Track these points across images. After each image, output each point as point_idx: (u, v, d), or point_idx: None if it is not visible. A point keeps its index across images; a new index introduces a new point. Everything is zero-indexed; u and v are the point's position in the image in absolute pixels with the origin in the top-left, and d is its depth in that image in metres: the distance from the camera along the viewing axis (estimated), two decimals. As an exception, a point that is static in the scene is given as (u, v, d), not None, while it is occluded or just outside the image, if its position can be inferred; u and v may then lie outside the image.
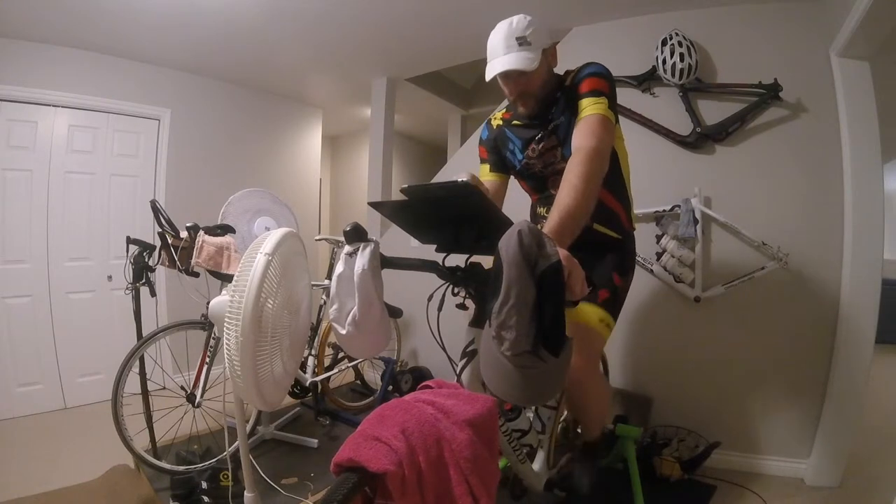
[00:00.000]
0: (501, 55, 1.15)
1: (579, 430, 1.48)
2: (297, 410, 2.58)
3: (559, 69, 1.29)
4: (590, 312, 1.24)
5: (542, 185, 1.39)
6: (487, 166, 1.44)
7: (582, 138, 1.10)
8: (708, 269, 2.11)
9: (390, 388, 2.55)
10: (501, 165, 1.43)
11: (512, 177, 1.46)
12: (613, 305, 1.30)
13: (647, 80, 2.22)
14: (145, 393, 1.97)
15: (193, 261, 1.87)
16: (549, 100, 1.26)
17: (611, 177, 1.15)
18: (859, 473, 1.99)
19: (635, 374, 2.25)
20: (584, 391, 1.28)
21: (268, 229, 2.09)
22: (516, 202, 1.50)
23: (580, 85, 1.18)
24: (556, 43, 1.27)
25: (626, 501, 1.68)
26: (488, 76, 1.19)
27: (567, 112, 1.23)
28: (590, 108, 1.14)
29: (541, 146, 1.30)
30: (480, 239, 0.87)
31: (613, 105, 1.17)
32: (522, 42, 1.14)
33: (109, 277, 2.86)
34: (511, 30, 1.15)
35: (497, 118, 1.43)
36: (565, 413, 1.51)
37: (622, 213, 1.37)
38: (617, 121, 1.22)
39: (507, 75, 1.19)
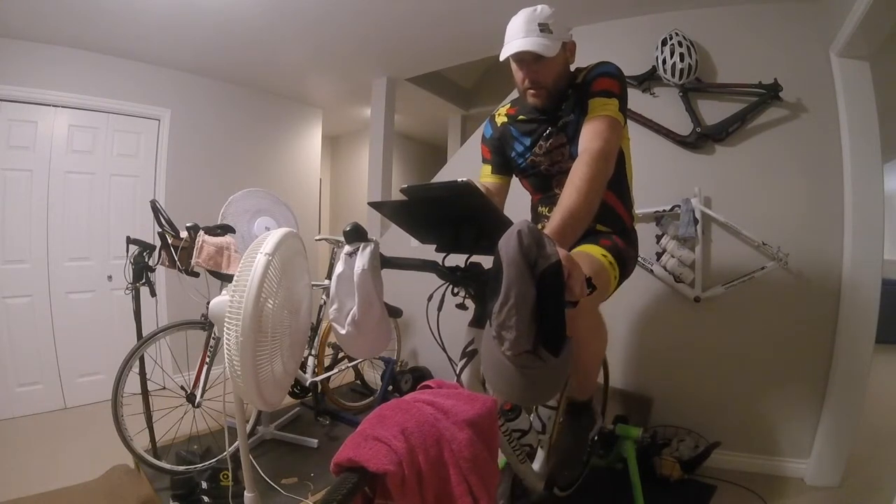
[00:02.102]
0: (521, 37, 1.14)
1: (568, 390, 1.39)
2: (297, 410, 2.59)
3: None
4: (593, 248, 1.19)
5: (545, 184, 1.37)
6: (490, 167, 1.41)
7: (589, 139, 1.09)
8: (708, 269, 2.11)
9: (390, 388, 2.55)
10: (504, 167, 1.40)
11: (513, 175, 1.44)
12: (616, 254, 1.22)
13: (647, 80, 2.22)
14: (145, 393, 1.97)
15: (193, 261, 1.87)
16: (559, 95, 1.25)
17: (615, 178, 1.14)
18: (859, 473, 1.99)
19: (635, 374, 2.25)
20: (577, 325, 1.15)
21: (268, 229, 2.09)
22: (516, 202, 1.50)
23: (592, 84, 1.17)
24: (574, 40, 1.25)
25: (626, 501, 1.68)
26: (504, 55, 1.17)
27: (577, 110, 1.21)
28: (599, 108, 1.12)
29: (549, 143, 1.28)
30: (480, 239, 0.87)
31: (623, 107, 1.16)
32: (544, 28, 1.13)
33: (109, 277, 2.86)
34: (535, 15, 1.14)
35: (501, 114, 1.40)
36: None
37: (625, 214, 1.36)
38: (625, 122, 1.21)
39: (522, 59, 1.18)
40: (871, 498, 1.85)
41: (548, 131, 1.28)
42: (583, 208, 0.95)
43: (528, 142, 1.33)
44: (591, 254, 1.17)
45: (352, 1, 2.28)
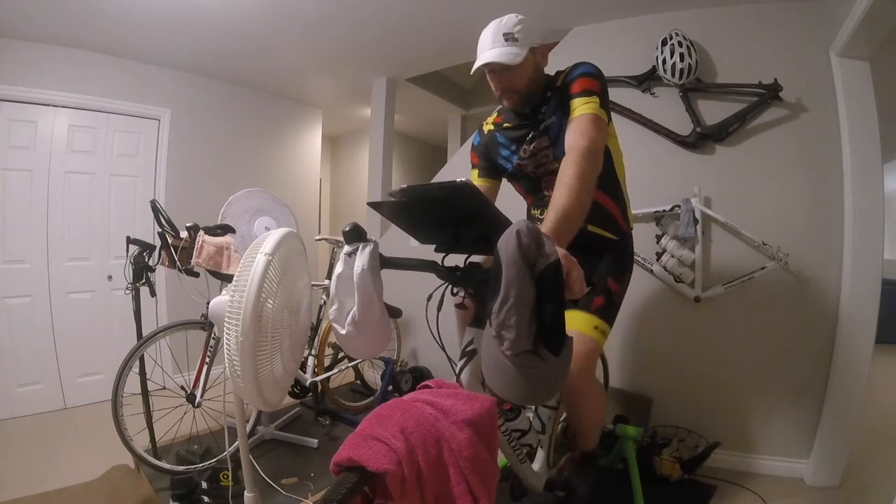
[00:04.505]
0: (487, 49, 1.18)
1: (576, 439, 1.49)
2: (297, 410, 2.58)
3: (551, 69, 1.30)
4: (584, 320, 1.25)
5: (535, 186, 1.39)
6: (476, 171, 1.46)
7: (574, 138, 1.11)
8: (708, 269, 2.11)
9: (390, 388, 2.55)
10: (492, 170, 1.44)
11: (506, 181, 1.47)
12: (608, 312, 1.30)
13: (647, 80, 2.22)
14: (145, 393, 1.97)
15: (193, 261, 1.87)
16: (536, 98, 1.27)
17: (604, 176, 1.15)
18: (859, 473, 1.99)
19: (635, 374, 2.25)
20: (580, 399, 1.29)
21: (268, 229, 2.09)
22: (514, 204, 1.50)
23: (571, 85, 1.19)
24: (550, 44, 1.29)
25: (626, 501, 1.68)
26: (473, 69, 1.22)
27: (559, 112, 1.23)
28: (581, 107, 1.14)
29: (532, 146, 1.30)
30: (479, 239, 0.87)
31: (605, 104, 1.17)
32: (509, 38, 1.16)
33: (109, 277, 2.86)
34: (499, 26, 1.18)
35: (489, 123, 1.45)
36: (565, 413, 1.51)
37: (618, 214, 1.36)
38: (610, 119, 1.22)
39: (491, 69, 1.21)
40: (871, 498, 1.85)
41: (530, 135, 1.30)
42: (575, 206, 0.97)
43: (513, 147, 1.36)
44: (581, 332, 1.22)
45: (352, 1, 2.28)
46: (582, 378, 1.23)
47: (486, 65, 1.19)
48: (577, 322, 1.24)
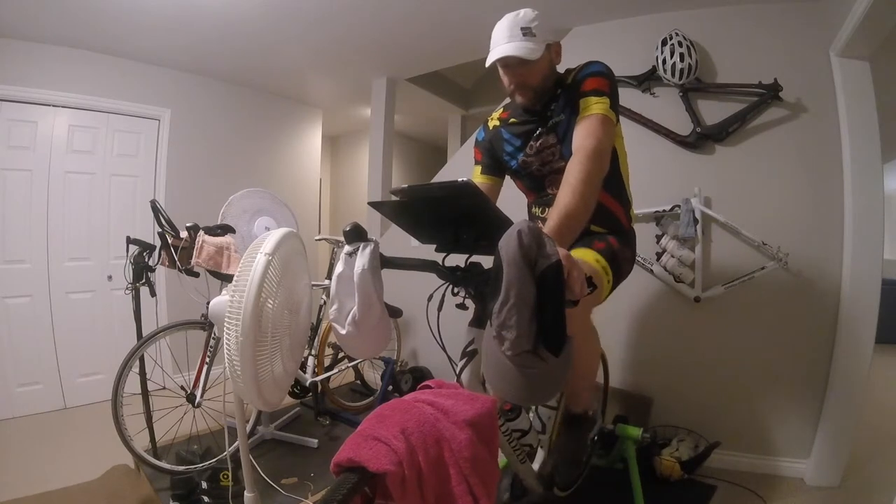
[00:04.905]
0: (504, 43, 1.15)
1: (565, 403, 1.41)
2: (297, 410, 2.59)
3: (560, 68, 1.29)
4: (586, 253, 1.20)
5: (539, 185, 1.38)
6: (479, 168, 1.44)
7: (582, 138, 1.10)
8: (708, 269, 2.11)
9: (390, 388, 2.55)
10: (495, 168, 1.42)
11: (508, 177, 1.45)
12: (611, 257, 1.23)
13: (647, 80, 2.22)
14: (145, 393, 1.97)
15: (193, 261, 1.87)
16: (547, 95, 1.26)
17: (610, 177, 1.14)
18: (859, 473, 1.99)
19: (635, 374, 2.25)
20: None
21: (268, 229, 2.09)
22: (515, 203, 1.50)
23: (582, 84, 1.18)
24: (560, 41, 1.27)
25: (626, 501, 1.68)
26: (489, 62, 1.19)
27: (567, 110, 1.22)
28: (591, 107, 1.13)
29: (539, 143, 1.29)
30: (480, 239, 0.87)
31: (615, 104, 1.16)
32: (527, 32, 1.14)
33: (109, 277, 2.86)
34: (517, 20, 1.16)
35: (494, 119, 1.42)
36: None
37: (621, 214, 1.36)
38: (618, 120, 1.22)
39: (507, 63, 1.19)
40: (871, 498, 1.85)
41: (538, 132, 1.29)
42: (579, 207, 0.96)
43: (518, 143, 1.34)
44: (585, 260, 1.18)
45: (352, 1, 2.28)
46: (576, 319, 1.08)
47: (501, 59, 1.16)
48: (579, 252, 1.19)
